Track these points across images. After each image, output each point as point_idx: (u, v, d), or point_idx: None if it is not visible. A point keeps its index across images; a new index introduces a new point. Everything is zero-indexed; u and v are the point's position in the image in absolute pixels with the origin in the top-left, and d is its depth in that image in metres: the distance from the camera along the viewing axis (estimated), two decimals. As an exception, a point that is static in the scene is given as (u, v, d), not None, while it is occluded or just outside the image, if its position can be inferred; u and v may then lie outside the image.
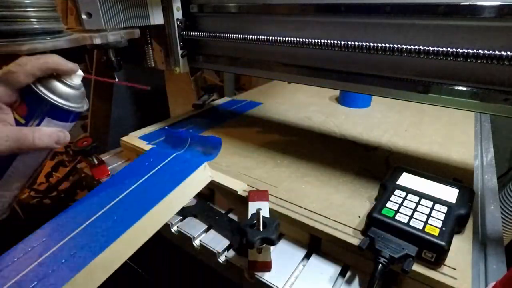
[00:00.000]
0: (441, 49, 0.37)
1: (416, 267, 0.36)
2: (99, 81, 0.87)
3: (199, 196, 0.55)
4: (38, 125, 0.31)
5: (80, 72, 0.33)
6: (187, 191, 0.44)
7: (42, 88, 0.30)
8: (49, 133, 0.31)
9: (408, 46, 0.39)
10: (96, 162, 0.61)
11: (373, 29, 0.45)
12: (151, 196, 0.41)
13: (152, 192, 0.42)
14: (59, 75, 0.32)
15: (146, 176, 0.46)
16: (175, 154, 0.50)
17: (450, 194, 0.43)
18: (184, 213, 0.51)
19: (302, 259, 0.43)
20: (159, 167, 0.47)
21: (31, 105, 0.31)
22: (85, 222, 0.39)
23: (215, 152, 0.49)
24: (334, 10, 0.46)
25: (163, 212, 0.41)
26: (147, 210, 0.39)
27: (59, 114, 0.31)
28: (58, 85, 0.31)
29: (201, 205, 0.53)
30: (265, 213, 0.45)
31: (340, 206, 0.47)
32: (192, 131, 0.74)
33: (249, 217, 0.42)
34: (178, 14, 0.62)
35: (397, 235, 0.38)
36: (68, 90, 0.32)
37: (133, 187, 0.44)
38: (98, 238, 0.36)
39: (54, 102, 0.31)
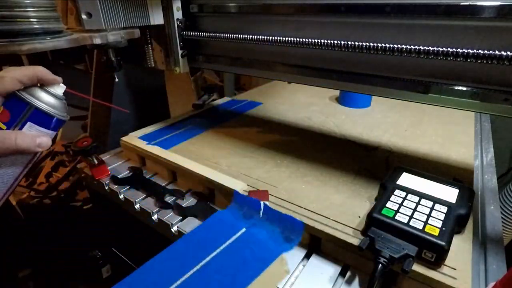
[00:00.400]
0: (441, 49, 0.37)
1: (416, 267, 0.36)
2: (99, 81, 0.87)
3: (199, 196, 0.55)
4: (20, 129, 0.33)
5: (62, 85, 0.35)
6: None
7: (26, 94, 0.32)
8: (31, 136, 0.31)
9: (408, 46, 0.39)
10: (96, 162, 0.61)
11: (373, 29, 0.45)
12: None
13: (219, 284, 0.35)
14: (43, 85, 0.33)
15: (212, 255, 0.38)
16: (244, 229, 0.43)
17: (450, 194, 0.43)
18: (184, 213, 0.51)
19: (302, 259, 0.43)
20: (227, 244, 0.40)
21: (14, 110, 0.31)
22: None
23: (295, 237, 0.40)
24: (334, 10, 0.46)
25: None
26: None
27: (41, 119, 0.32)
28: (42, 93, 0.33)
29: (201, 205, 0.53)
30: (265, 213, 0.45)
31: (340, 206, 0.47)
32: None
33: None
34: (178, 14, 0.62)
35: (397, 235, 0.38)
36: (51, 98, 0.33)
37: (197, 267, 0.37)
38: None
39: (37, 105, 0.32)
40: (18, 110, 0.31)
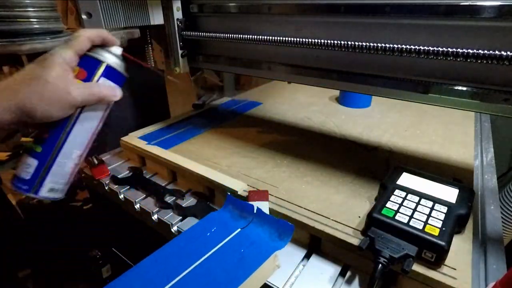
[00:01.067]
0: (441, 49, 0.37)
1: (416, 267, 0.36)
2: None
3: (199, 196, 0.55)
4: None
5: (119, 47, 0.39)
6: (253, 283, 0.37)
7: (97, 53, 0.36)
8: (109, 86, 0.36)
9: (408, 46, 0.39)
10: (96, 162, 0.61)
11: (373, 29, 0.45)
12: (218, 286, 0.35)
13: (216, 281, 0.36)
14: (104, 46, 0.37)
15: (208, 254, 0.40)
16: (239, 230, 0.44)
17: (450, 194, 0.43)
18: (184, 213, 0.51)
19: (302, 259, 0.43)
20: (223, 243, 0.42)
21: (89, 68, 0.36)
22: None
23: (286, 238, 0.42)
24: (334, 10, 0.46)
25: None
26: None
27: (112, 74, 0.37)
28: (108, 53, 0.37)
29: (201, 205, 0.53)
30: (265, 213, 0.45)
31: (340, 206, 0.47)
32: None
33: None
34: (178, 14, 0.62)
35: (397, 235, 0.38)
36: (115, 57, 0.38)
37: (194, 265, 0.38)
38: None
39: (108, 62, 0.36)
40: (93, 67, 0.36)
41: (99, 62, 0.36)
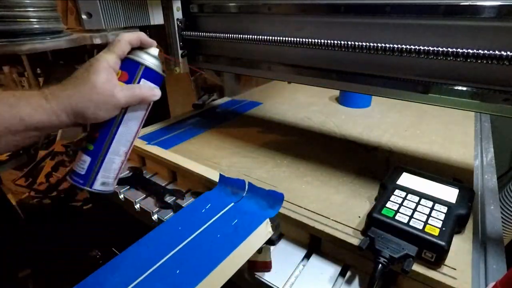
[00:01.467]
0: (441, 49, 0.37)
1: (416, 267, 0.36)
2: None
3: (198, 195, 0.55)
4: None
5: (156, 48, 0.41)
6: (248, 248, 0.39)
7: (136, 56, 0.38)
8: (149, 87, 0.38)
9: (408, 46, 0.39)
10: (96, 162, 0.61)
11: (373, 29, 0.45)
12: (212, 254, 0.37)
13: (213, 248, 0.38)
14: (142, 48, 0.39)
15: (204, 227, 0.42)
16: (232, 204, 0.47)
17: (450, 194, 0.43)
18: (184, 213, 0.51)
19: (302, 259, 0.43)
20: (217, 216, 0.44)
21: (130, 70, 0.38)
22: (132, 282, 0.34)
23: (277, 207, 0.46)
24: (334, 10, 0.46)
25: (224, 271, 0.36)
26: (209, 270, 0.35)
27: (150, 75, 0.39)
28: (147, 54, 0.39)
29: (201, 205, 0.53)
30: (265, 213, 0.45)
31: (340, 206, 0.47)
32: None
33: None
34: (178, 14, 0.62)
35: (397, 235, 0.38)
36: (154, 58, 0.39)
37: (189, 238, 0.40)
38: None
39: (147, 64, 0.38)
40: (133, 70, 0.38)
41: (138, 65, 0.38)
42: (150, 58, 0.39)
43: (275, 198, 0.47)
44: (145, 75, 0.38)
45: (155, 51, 0.40)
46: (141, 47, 0.39)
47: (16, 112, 0.32)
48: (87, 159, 0.38)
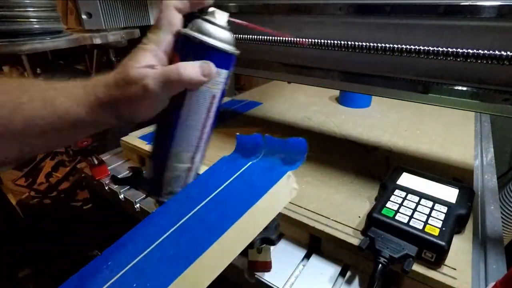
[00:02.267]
0: (441, 49, 0.37)
1: (416, 267, 0.36)
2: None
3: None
4: None
5: (222, 12, 0.30)
6: (269, 206, 0.36)
7: (191, 31, 0.29)
8: (192, 64, 0.28)
9: (408, 46, 0.39)
10: (96, 162, 0.61)
11: (373, 29, 0.45)
12: (228, 213, 0.34)
13: (228, 208, 0.35)
14: (201, 14, 0.30)
15: (219, 189, 0.38)
16: (250, 163, 0.42)
17: (450, 194, 0.43)
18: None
19: (302, 259, 0.43)
20: (233, 178, 0.40)
21: (182, 52, 0.29)
22: (150, 246, 0.32)
23: (300, 158, 0.38)
24: (334, 10, 0.46)
25: (244, 230, 0.34)
26: (223, 230, 0.32)
27: (209, 54, 0.29)
28: (206, 25, 0.29)
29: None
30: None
31: (340, 206, 0.47)
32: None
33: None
34: (178, 14, 0.62)
35: (397, 235, 0.38)
36: (213, 28, 0.29)
37: (204, 202, 0.36)
38: (165, 268, 0.30)
39: (201, 39, 0.28)
40: (185, 49, 0.29)
41: (189, 41, 0.28)
42: (208, 26, 0.29)
43: (297, 148, 0.40)
44: (203, 55, 0.28)
45: (220, 17, 0.29)
46: (199, 12, 0.29)
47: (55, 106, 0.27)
48: (151, 166, 0.32)
